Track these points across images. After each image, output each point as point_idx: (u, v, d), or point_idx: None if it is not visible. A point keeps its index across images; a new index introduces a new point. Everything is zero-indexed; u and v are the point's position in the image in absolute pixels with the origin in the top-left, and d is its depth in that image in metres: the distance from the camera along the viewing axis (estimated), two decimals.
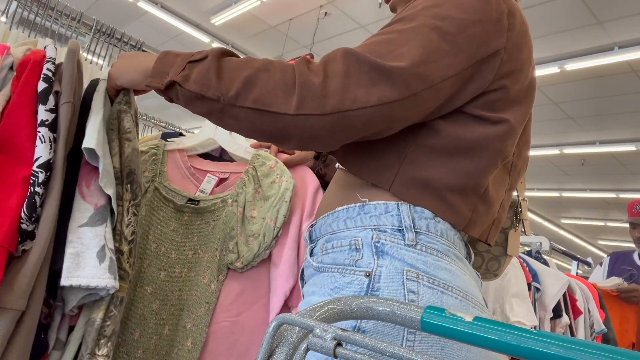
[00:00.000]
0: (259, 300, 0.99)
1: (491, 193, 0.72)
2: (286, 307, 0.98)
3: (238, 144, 1.14)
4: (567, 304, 1.88)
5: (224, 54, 0.67)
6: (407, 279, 0.61)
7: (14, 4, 0.96)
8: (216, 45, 6.02)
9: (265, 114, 0.61)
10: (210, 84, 0.63)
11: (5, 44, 0.81)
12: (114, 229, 0.79)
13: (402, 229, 0.66)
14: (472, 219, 0.70)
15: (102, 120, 0.80)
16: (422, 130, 0.68)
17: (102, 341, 0.77)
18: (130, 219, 0.82)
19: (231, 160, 1.15)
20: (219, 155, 1.18)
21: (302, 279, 0.81)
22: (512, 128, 0.70)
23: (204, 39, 5.95)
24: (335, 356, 0.42)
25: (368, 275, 0.62)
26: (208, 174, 1.12)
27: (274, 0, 4.94)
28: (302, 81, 0.59)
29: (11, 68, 0.79)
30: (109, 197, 0.78)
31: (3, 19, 0.97)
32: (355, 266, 0.64)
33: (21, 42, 0.92)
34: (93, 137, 0.75)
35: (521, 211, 0.87)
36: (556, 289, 1.78)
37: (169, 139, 1.15)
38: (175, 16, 5.58)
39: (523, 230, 0.85)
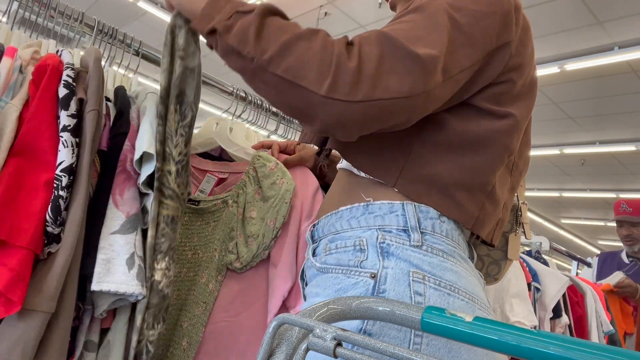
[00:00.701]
0: (257, 300, 0.99)
1: (498, 191, 0.71)
2: (284, 307, 0.98)
3: (238, 144, 1.14)
4: (566, 304, 1.89)
5: (272, 12, 0.63)
6: (413, 280, 0.60)
7: (15, 4, 0.96)
8: None
9: (294, 87, 0.57)
10: (248, 41, 0.60)
11: (10, 45, 0.82)
12: (162, 151, 0.81)
13: (408, 229, 0.65)
14: (479, 218, 0.69)
15: (156, 128, 0.82)
16: (428, 125, 0.67)
17: (159, 256, 0.79)
18: (178, 140, 0.83)
19: (230, 159, 1.15)
20: (219, 155, 1.18)
21: (303, 279, 0.81)
22: (518, 122, 0.69)
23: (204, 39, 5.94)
24: (335, 356, 0.42)
25: (373, 276, 0.61)
26: (207, 174, 1.12)
27: (274, 1, 4.93)
28: (338, 62, 0.56)
29: (20, 70, 0.80)
30: (141, 206, 0.81)
31: (4, 19, 0.97)
32: (360, 267, 0.63)
33: (26, 43, 0.92)
34: (152, 144, 0.79)
35: (521, 214, 0.86)
36: (556, 289, 1.78)
37: None
38: None
39: (523, 232, 0.85)
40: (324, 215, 0.75)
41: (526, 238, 0.85)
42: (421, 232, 0.65)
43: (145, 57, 1.15)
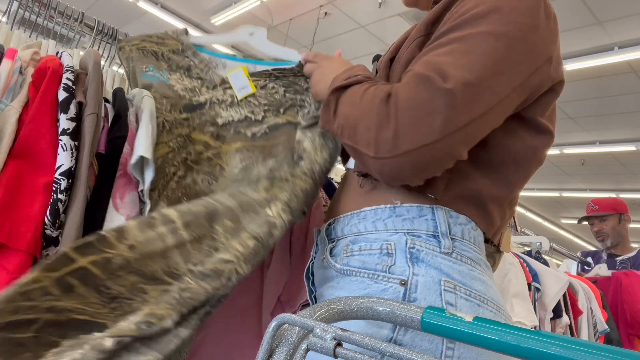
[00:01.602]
0: (252, 296, 0.99)
1: (516, 200, 0.72)
2: (279, 302, 0.98)
3: None
4: (567, 304, 1.88)
5: (343, 87, 0.67)
6: (444, 290, 0.59)
7: (15, 4, 0.96)
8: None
9: (356, 151, 0.62)
10: (329, 121, 0.68)
11: (9, 46, 0.82)
12: None
13: (438, 235, 0.63)
14: (499, 227, 0.69)
15: (152, 133, 0.82)
16: None
17: None
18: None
19: None
20: None
21: (308, 277, 0.79)
22: (552, 137, 0.69)
23: None
24: (335, 356, 0.42)
25: (404, 283, 0.59)
26: None
27: (274, 0, 4.93)
28: (379, 122, 0.58)
29: (20, 72, 0.80)
30: (140, 210, 0.81)
31: (4, 19, 0.97)
32: (389, 273, 0.61)
33: (26, 44, 0.92)
34: (150, 149, 0.80)
35: None
36: (556, 289, 1.78)
37: None
38: (175, 16, 5.58)
39: (514, 225, 0.85)
40: (342, 214, 0.72)
41: (516, 230, 0.86)
42: (451, 239, 0.63)
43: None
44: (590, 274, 2.47)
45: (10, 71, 0.78)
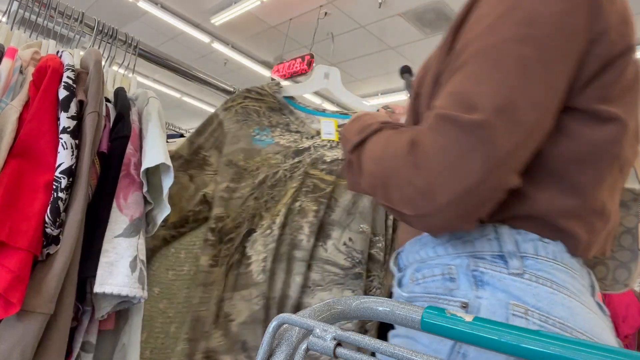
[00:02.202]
0: None
1: (608, 205, 0.59)
2: None
3: None
4: None
5: (360, 143, 0.62)
6: (513, 314, 0.51)
7: (15, 4, 0.96)
8: (216, 45, 6.03)
9: (395, 212, 0.56)
10: (356, 182, 0.63)
11: (10, 45, 0.82)
12: None
13: (504, 255, 0.56)
14: (589, 242, 0.58)
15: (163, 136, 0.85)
16: None
17: None
18: None
19: None
20: None
21: None
22: (625, 125, 0.57)
23: (204, 39, 5.95)
24: (335, 356, 0.42)
25: (464, 306, 0.54)
26: None
27: (274, 0, 4.93)
28: (408, 177, 0.52)
29: (20, 71, 0.80)
30: (144, 211, 0.82)
31: (4, 19, 0.97)
32: (451, 296, 0.56)
33: (26, 44, 0.92)
34: (167, 155, 0.81)
35: None
36: None
37: (169, 140, 1.16)
38: (175, 16, 5.58)
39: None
40: (407, 241, 0.68)
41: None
42: (521, 257, 0.55)
43: (145, 57, 1.15)
44: None
45: (10, 70, 0.78)
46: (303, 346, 0.45)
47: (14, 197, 0.69)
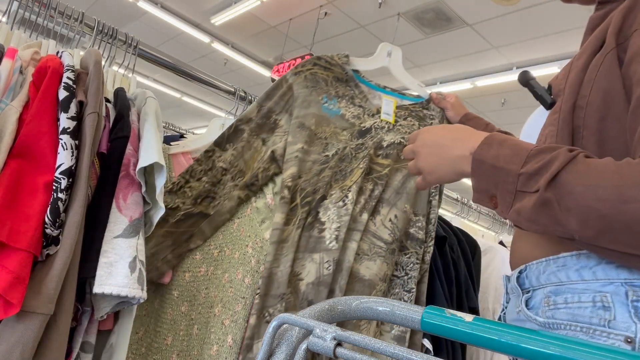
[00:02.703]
0: None
1: None
2: None
3: None
4: None
5: (554, 177, 0.51)
6: None
7: (15, 4, 0.96)
8: (216, 45, 6.02)
9: (636, 258, 0.49)
10: (549, 224, 0.52)
11: (10, 45, 0.82)
12: None
13: None
14: None
15: (159, 137, 0.86)
16: None
17: None
18: None
19: None
20: None
21: None
22: None
23: (204, 39, 5.94)
24: (335, 356, 0.42)
25: (630, 341, 0.50)
26: None
27: (274, 0, 4.93)
28: None
29: (20, 71, 0.80)
30: (143, 211, 0.82)
31: (4, 19, 0.97)
32: (609, 328, 0.51)
33: (26, 44, 0.92)
34: (162, 155, 0.81)
35: None
36: None
37: (172, 143, 1.16)
38: (175, 16, 5.58)
39: None
40: (534, 260, 0.63)
41: None
42: None
43: (145, 57, 1.15)
44: None
45: (10, 70, 0.77)
46: (303, 346, 0.45)
47: (14, 197, 0.69)
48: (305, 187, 1.03)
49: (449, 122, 1.21)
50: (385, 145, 1.13)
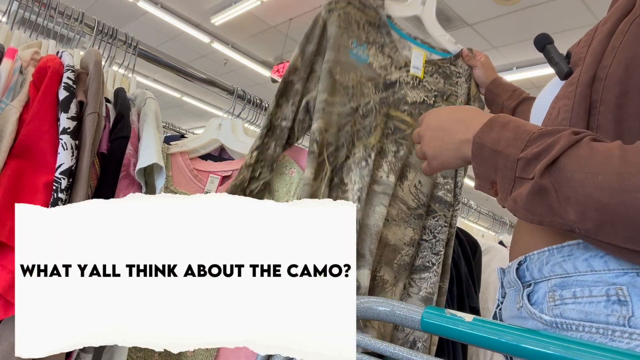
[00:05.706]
0: None
1: None
2: None
3: (242, 141, 1.15)
4: None
5: (552, 162, 0.45)
6: None
7: (15, 4, 0.96)
8: (216, 45, 6.02)
9: (635, 254, 0.43)
10: (546, 214, 0.47)
11: (10, 45, 0.82)
12: None
13: None
14: None
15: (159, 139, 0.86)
16: None
17: None
18: None
19: (231, 158, 1.16)
20: (219, 154, 1.19)
21: None
22: None
23: (204, 39, 5.94)
24: None
25: None
26: (210, 174, 1.12)
27: (274, 0, 4.93)
28: None
29: (20, 71, 0.80)
30: None
31: (4, 19, 0.97)
32: (629, 327, 0.45)
33: (26, 44, 0.92)
34: (161, 155, 0.81)
35: None
36: None
37: (171, 142, 1.16)
38: (175, 16, 5.58)
39: None
40: (535, 250, 0.56)
41: None
42: None
43: (145, 57, 1.15)
44: None
45: (10, 70, 0.78)
46: None
47: (14, 197, 0.69)
48: (332, 142, 0.98)
49: (476, 82, 1.17)
50: (410, 102, 1.07)
